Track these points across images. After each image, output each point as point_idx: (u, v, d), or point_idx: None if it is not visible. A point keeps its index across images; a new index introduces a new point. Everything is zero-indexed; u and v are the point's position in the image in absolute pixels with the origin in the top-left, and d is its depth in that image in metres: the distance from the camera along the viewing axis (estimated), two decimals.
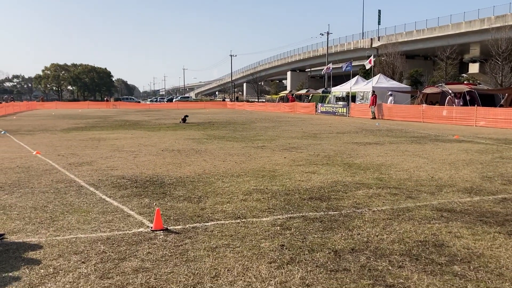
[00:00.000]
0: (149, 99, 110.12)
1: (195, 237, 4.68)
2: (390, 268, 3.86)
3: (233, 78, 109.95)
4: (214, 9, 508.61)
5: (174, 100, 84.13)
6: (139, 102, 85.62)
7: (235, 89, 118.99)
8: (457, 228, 4.99)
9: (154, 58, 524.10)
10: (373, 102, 28.76)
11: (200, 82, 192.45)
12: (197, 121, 25.81)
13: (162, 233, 4.79)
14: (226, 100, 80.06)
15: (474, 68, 64.81)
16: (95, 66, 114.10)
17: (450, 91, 28.05)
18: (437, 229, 4.97)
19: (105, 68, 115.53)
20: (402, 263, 3.96)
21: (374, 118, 28.23)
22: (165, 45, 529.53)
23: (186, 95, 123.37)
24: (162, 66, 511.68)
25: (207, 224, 5.15)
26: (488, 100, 26.67)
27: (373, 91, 30.92)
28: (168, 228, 4.97)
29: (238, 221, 5.27)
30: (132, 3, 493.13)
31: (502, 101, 25.49)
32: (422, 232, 4.86)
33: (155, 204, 6.00)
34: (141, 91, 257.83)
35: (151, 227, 4.95)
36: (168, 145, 13.22)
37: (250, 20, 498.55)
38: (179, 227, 5.03)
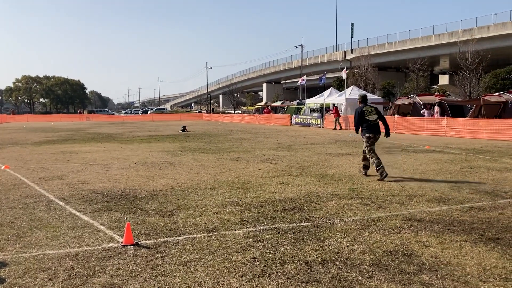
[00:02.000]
0: (124, 111, 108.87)
1: (166, 251, 4.63)
2: (360, 278, 3.91)
3: (209, 90, 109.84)
4: (189, 21, 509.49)
5: (149, 112, 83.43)
6: (113, 114, 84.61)
7: (211, 101, 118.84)
8: (426, 237, 5.09)
9: (129, 70, 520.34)
10: (337, 114, 29.75)
11: (175, 94, 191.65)
12: (172, 133, 25.65)
13: (132, 248, 4.72)
14: (202, 111, 79.82)
15: (444, 79, 66.67)
16: (68, 78, 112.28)
17: (421, 102, 28.74)
18: (407, 238, 5.06)
19: (79, 80, 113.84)
20: (372, 273, 4.01)
21: (335, 128, 29.52)
22: (140, 56, 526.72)
23: (162, 107, 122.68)
24: (136, 78, 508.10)
25: (178, 238, 5.10)
26: (457, 111, 27.44)
27: (333, 104, 31.84)
28: (139, 242, 4.90)
29: (211, 234, 5.25)
30: (106, 14, 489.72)
31: (470, 112, 26.25)
32: (392, 241, 4.94)
33: (126, 219, 5.92)
34: (116, 103, 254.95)
35: (121, 242, 4.88)
36: (142, 158, 13.09)
37: (225, 33, 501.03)
38: (150, 241, 4.98)
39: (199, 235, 5.20)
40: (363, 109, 9.28)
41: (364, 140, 9.29)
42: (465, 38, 47.88)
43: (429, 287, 3.72)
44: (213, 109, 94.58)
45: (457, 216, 6.06)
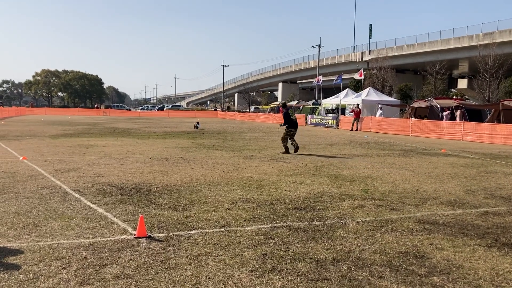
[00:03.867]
0: (140, 107, 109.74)
1: (178, 245, 4.68)
2: (370, 278, 3.90)
3: (225, 88, 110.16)
4: (207, 19, 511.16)
5: (165, 108, 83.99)
6: (129, 110, 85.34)
7: (227, 99, 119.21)
8: (439, 240, 5.05)
9: (146, 66, 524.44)
10: (357, 115, 29.48)
11: (191, 91, 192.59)
12: (188, 130, 25.80)
13: (145, 241, 4.78)
14: (217, 109, 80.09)
15: (462, 83, 65.73)
16: (86, 73, 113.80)
17: (439, 106, 28.41)
18: (419, 240, 5.02)
19: (96, 75, 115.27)
20: (383, 274, 4.00)
21: (352, 129, 29.19)
22: (157, 53, 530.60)
23: (177, 104, 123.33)
24: (153, 74, 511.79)
25: (191, 232, 5.15)
26: (475, 115, 27.05)
27: (357, 105, 31.36)
28: (152, 235, 4.96)
29: (222, 229, 5.28)
30: (125, 11, 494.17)
31: (488, 117, 25.85)
32: (404, 243, 4.91)
33: (140, 212, 5.99)
34: (132, 99, 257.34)
35: (134, 234, 4.94)
36: (157, 153, 13.20)
37: (242, 31, 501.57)
38: (162, 234, 5.03)
39: (211, 230, 5.23)
40: (289, 112, 14.30)
41: (286, 131, 14.15)
42: (486, 42, 47.22)
43: None
44: (228, 107, 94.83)
45: (471, 220, 6.00)
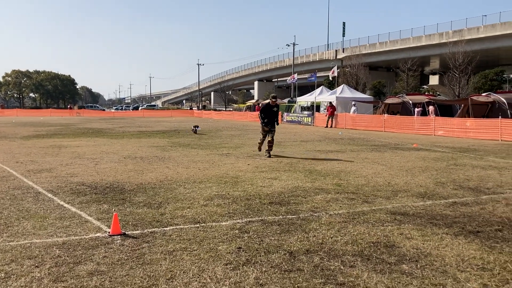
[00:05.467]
0: (114, 107, 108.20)
1: (152, 241, 4.70)
2: (342, 267, 4.00)
3: (201, 87, 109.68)
4: (181, 18, 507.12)
5: (140, 108, 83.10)
6: (103, 110, 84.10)
7: (203, 98, 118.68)
8: (408, 230, 5.20)
9: (120, 66, 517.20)
10: (332, 112, 29.84)
11: (167, 90, 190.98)
12: (163, 129, 25.64)
13: (119, 238, 4.78)
14: (193, 108, 79.67)
15: (434, 80, 67.21)
16: (59, 73, 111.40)
17: (411, 102, 29.01)
18: (390, 231, 5.17)
19: (69, 76, 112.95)
20: (354, 263, 4.11)
21: (326, 126, 29.56)
22: (132, 53, 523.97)
23: (153, 103, 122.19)
24: (128, 74, 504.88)
25: (165, 228, 5.17)
26: (446, 110, 27.74)
27: (330, 102, 31.70)
28: (126, 233, 4.96)
29: (197, 225, 5.32)
30: (98, 9, 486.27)
31: (458, 112, 26.55)
32: (375, 234, 5.04)
33: (114, 210, 5.97)
34: (106, 99, 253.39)
35: (109, 232, 4.93)
36: (131, 152, 13.10)
37: (218, 30, 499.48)
38: (137, 232, 5.03)
39: (186, 226, 5.26)
40: (271, 106, 12.91)
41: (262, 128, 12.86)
42: (455, 39, 48.36)
43: (409, 276, 3.82)
44: (204, 106, 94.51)
45: (440, 211, 6.19)
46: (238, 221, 5.53)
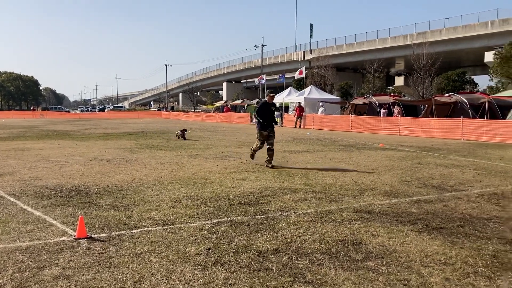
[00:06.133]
0: (80, 109, 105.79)
1: (120, 244, 4.63)
2: (310, 266, 4.05)
3: (169, 88, 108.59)
4: (149, 18, 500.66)
5: (106, 109, 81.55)
6: (68, 111, 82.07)
7: (171, 99, 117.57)
8: (375, 228, 5.31)
9: (86, 66, 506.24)
10: (300, 113, 30.10)
11: (134, 91, 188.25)
12: (130, 131, 25.25)
13: (85, 241, 4.68)
14: (161, 110, 78.83)
15: (399, 81, 68.77)
16: (21, 74, 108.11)
17: (377, 102, 29.60)
18: (356, 229, 5.27)
19: (32, 77, 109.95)
20: (322, 261, 4.17)
21: (295, 127, 29.78)
22: (98, 53, 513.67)
23: (119, 104, 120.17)
24: (94, 75, 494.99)
25: (133, 231, 5.10)
26: (411, 110, 28.43)
27: (299, 103, 31.96)
28: (92, 236, 4.87)
29: (166, 227, 5.27)
30: (62, 8, 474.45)
31: (422, 112, 27.27)
32: (342, 232, 5.13)
33: (80, 213, 5.85)
34: (71, 100, 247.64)
35: (74, 236, 4.83)
36: (97, 154, 12.85)
37: (186, 30, 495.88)
38: (104, 235, 4.95)
39: (154, 228, 5.21)
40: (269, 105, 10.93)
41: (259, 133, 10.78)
42: (419, 41, 49.72)
43: (375, 272, 3.91)
44: (172, 107, 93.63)
45: (405, 208, 6.35)
46: (207, 222, 5.52)
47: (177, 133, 19.67)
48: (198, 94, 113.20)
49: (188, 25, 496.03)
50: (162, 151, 13.91)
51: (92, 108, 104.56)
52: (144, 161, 11.33)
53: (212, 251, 4.40)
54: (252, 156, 11.19)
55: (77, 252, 4.36)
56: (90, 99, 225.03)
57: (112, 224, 5.38)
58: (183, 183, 8.24)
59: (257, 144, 10.80)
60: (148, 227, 5.28)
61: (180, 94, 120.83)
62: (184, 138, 18.84)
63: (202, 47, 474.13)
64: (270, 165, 10.30)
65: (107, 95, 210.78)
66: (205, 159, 11.96)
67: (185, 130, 19.61)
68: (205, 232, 5.08)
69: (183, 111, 71.57)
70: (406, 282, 3.71)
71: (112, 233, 5.00)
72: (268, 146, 10.46)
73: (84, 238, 4.76)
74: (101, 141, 17.78)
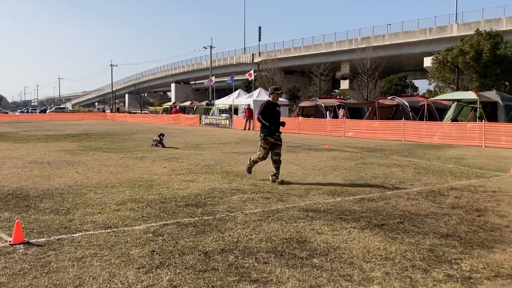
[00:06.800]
0: (19, 110, 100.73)
1: (59, 248, 4.44)
2: (256, 264, 4.07)
3: (115, 89, 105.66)
4: (94, 16, 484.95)
5: (48, 111, 78.21)
6: (7, 113, 77.95)
7: (117, 100, 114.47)
8: (319, 226, 5.42)
9: (26, 66, 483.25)
10: (249, 115, 30.20)
11: (77, 92, 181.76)
12: (73, 133, 24.35)
13: (22, 247, 4.46)
14: (106, 111, 76.60)
15: (344, 84, 70.70)
16: None
17: (323, 105, 30.29)
18: (302, 227, 5.35)
19: None
20: (268, 259, 4.20)
21: (245, 129, 29.81)
22: (39, 53, 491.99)
23: (62, 105, 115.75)
24: (34, 75, 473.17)
25: (74, 235, 4.91)
26: (356, 113, 29.32)
27: (248, 105, 32.11)
28: (30, 241, 4.64)
29: (109, 230, 5.12)
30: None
31: (366, 114, 28.19)
32: (288, 230, 5.20)
33: (17, 218, 5.56)
34: (10, 101, 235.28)
35: (10, 241, 4.58)
36: (37, 157, 12.29)
37: (133, 30, 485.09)
38: (42, 239, 4.73)
39: (96, 232, 5.05)
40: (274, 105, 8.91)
41: (263, 140, 8.76)
42: (363, 46, 51.36)
43: (319, 269, 3.99)
44: (118, 108, 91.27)
45: (348, 206, 6.53)
46: (152, 224, 5.41)
47: (153, 140, 16.09)
48: (146, 95, 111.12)
49: (136, 24, 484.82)
50: (106, 153, 13.52)
51: (33, 109, 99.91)
52: (87, 164, 10.95)
53: (157, 254, 4.32)
54: (249, 170, 8.98)
55: (12, 258, 4.14)
56: (30, 100, 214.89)
57: (51, 228, 5.15)
58: (128, 185, 8.04)
59: (260, 154, 8.70)
60: (90, 230, 5.11)
61: (126, 95, 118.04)
62: (163, 146, 15.54)
63: (151, 48, 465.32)
64: (279, 180, 8.38)
65: (49, 96, 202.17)
66: (152, 161, 11.74)
67: (162, 135, 16.03)
68: (150, 234, 4.98)
69: (129, 112, 69.94)
70: (348, 277, 3.81)
71: (52, 238, 4.79)
72: (274, 157, 8.58)
73: (20, 244, 4.53)
74: (41, 143, 17.02)
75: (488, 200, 7.08)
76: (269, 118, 8.60)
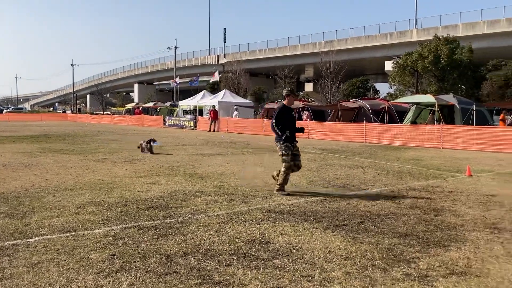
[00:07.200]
0: None
1: (14, 254, 4.28)
2: (218, 267, 4.05)
3: (76, 89, 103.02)
4: (53, 14, 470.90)
5: (4, 111, 75.34)
6: None
7: (78, 101, 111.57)
8: (282, 227, 5.46)
9: None
10: (214, 116, 30.01)
11: (36, 92, 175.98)
12: (31, 134, 23.55)
13: None
14: (66, 112, 74.54)
15: (309, 87, 71.61)
16: None
17: None
18: (265, 228, 5.37)
19: None
20: (230, 262, 4.19)
21: (210, 130, 29.59)
22: None
23: (20, 106, 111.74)
24: None
25: (30, 240, 4.75)
26: (319, 115, 29.73)
27: (213, 106, 31.95)
28: None
29: (67, 234, 4.98)
30: None
31: (329, 117, 28.63)
32: (251, 232, 5.20)
33: None
34: None
35: None
36: None
37: (94, 29, 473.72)
38: None
39: (54, 236, 4.89)
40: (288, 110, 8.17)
41: (284, 151, 7.72)
42: (327, 49, 52.21)
43: (281, 270, 4.01)
44: (79, 109, 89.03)
45: (311, 207, 6.60)
46: (112, 228, 5.30)
47: (141, 144, 14.40)
48: (108, 95, 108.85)
49: (98, 23, 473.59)
50: (66, 155, 13.15)
51: None
52: (45, 166, 10.62)
53: (117, 257, 4.24)
54: (282, 188, 7.59)
55: None
56: None
57: (6, 234, 4.96)
58: (88, 188, 7.84)
59: (286, 166, 7.56)
60: (47, 235, 4.95)
61: (88, 96, 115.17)
62: (151, 152, 13.93)
63: (113, 48, 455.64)
64: (285, 193, 7.51)
65: (6, 95, 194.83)
66: (113, 163, 11.51)
67: (152, 140, 14.30)
68: (111, 238, 4.87)
69: (91, 113, 68.32)
70: (310, 278, 3.85)
71: (6, 243, 4.61)
72: (293, 168, 7.74)
73: None
74: None
75: (445, 200, 7.32)
76: (285, 125, 7.70)
